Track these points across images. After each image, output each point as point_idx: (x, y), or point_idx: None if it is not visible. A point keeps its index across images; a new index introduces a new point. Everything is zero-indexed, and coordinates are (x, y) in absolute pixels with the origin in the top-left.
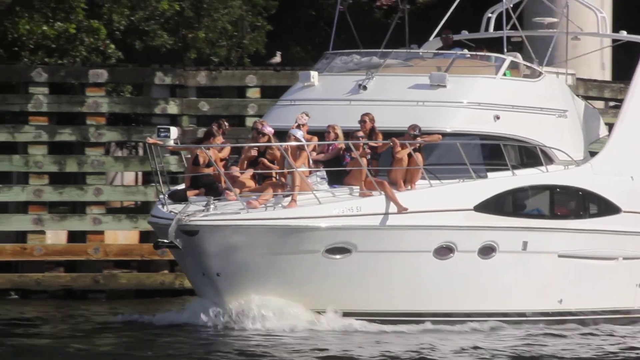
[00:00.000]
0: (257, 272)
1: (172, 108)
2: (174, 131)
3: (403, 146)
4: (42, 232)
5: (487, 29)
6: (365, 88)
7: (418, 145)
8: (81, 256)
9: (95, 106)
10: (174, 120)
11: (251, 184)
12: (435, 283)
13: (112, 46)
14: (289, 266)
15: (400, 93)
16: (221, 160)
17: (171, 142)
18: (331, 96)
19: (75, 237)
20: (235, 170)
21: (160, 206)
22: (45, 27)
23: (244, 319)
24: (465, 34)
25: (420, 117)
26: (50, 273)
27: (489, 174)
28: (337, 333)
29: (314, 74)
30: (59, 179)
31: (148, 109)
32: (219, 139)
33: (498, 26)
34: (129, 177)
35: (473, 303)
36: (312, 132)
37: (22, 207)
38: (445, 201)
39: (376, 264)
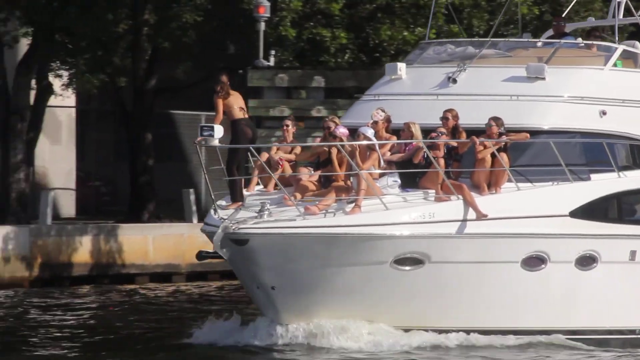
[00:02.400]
0: (315, 285)
1: None
2: (219, 129)
3: (485, 145)
4: None
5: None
6: (455, 81)
7: (503, 144)
8: None
9: None
10: None
11: (314, 187)
12: (523, 297)
13: None
14: (351, 279)
15: (492, 87)
16: (289, 162)
17: (216, 142)
18: (418, 90)
19: None
20: (303, 173)
21: (212, 212)
22: (405, 33)
23: (303, 337)
24: (590, 21)
25: (514, 113)
26: None
27: (593, 176)
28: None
29: (401, 66)
30: None
31: None
32: (288, 138)
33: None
34: None
35: (570, 319)
36: (393, 130)
37: None
38: (536, 206)
39: (453, 276)
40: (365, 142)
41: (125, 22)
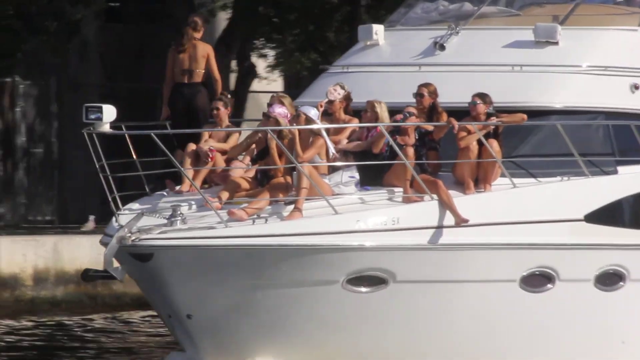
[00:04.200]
0: (243, 313)
1: None
2: (109, 111)
3: (469, 130)
4: None
5: None
6: (442, 47)
7: (493, 129)
8: None
9: None
10: None
11: (251, 186)
12: (523, 326)
13: None
14: (289, 304)
15: (490, 54)
16: (223, 153)
17: (106, 127)
18: (396, 59)
19: None
20: (237, 166)
21: (113, 220)
22: None
23: None
24: None
25: (515, 88)
26: None
27: (620, 169)
28: None
29: (377, 28)
30: None
31: None
32: (222, 120)
33: None
34: None
35: (589, 355)
36: (354, 112)
37: None
38: (539, 208)
39: (425, 300)
40: (309, 126)
41: None
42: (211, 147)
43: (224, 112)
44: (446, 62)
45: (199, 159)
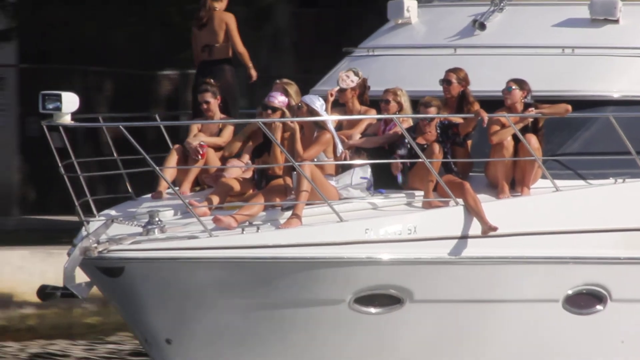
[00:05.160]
0: (232, 337)
1: None
2: (69, 100)
3: (502, 123)
4: None
5: None
6: (483, 26)
7: (531, 121)
8: None
9: None
10: None
11: (247, 188)
12: (567, 354)
13: None
14: (285, 327)
15: (538, 34)
16: (217, 150)
17: (67, 118)
18: (430, 41)
19: None
20: (234, 165)
21: (83, 228)
22: None
23: None
24: None
25: (566, 75)
26: None
27: None
28: None
29: (409, 5)
30: None
31: None
32: (214, 113)
33: None
34: None
35: None
36: (372, 102)
37: None
38: (587, 215)
39: (448, 324)
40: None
41: None
42: (202, 143)
43: (214, 103)
44: (486, 43)
45: (186, 155)
